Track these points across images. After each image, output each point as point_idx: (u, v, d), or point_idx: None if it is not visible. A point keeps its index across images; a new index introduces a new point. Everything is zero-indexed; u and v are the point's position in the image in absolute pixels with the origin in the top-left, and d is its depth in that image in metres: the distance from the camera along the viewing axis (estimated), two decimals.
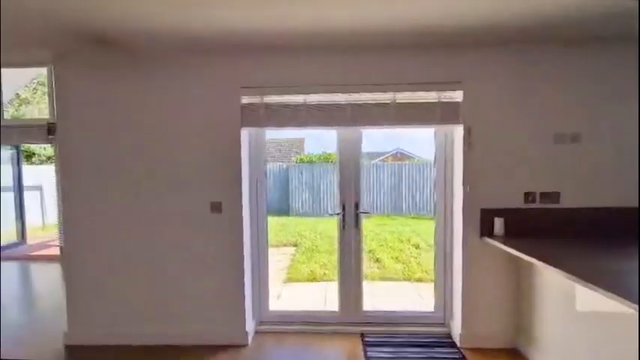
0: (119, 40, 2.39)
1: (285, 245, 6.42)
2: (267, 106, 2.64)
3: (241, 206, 2.68)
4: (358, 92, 2.55)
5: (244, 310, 2.72)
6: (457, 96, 2.53)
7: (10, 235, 6.02)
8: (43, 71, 6.31)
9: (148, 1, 1.82)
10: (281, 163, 8.98)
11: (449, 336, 2.79)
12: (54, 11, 1.94)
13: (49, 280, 4.72)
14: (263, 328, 2.94)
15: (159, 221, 2.70)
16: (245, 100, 2.63)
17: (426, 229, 7.05)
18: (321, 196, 8.21)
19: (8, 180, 5.98)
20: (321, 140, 9.67)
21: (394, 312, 3.04)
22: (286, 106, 2.63)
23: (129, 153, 2.69)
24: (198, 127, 2.65)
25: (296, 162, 9.15)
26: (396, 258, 5.62)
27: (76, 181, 2.75)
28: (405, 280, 4.78)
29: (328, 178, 8.08)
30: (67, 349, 2.73)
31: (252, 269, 2.90)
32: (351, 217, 2.88)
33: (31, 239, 6.41)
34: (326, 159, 8.80)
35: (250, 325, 2.82)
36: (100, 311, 2.77)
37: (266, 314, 3.00)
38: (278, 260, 5.38)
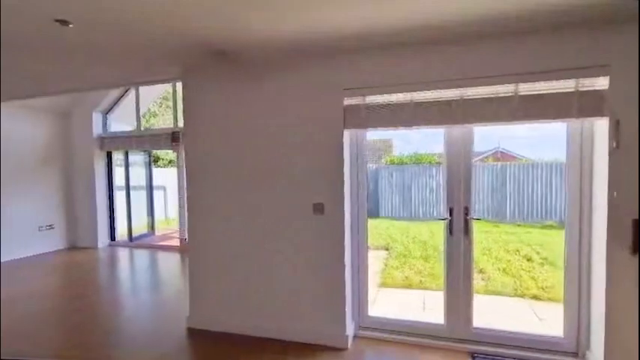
0: (234, 53, 2.60)
1: (376, 248, 6.30)
2: (370, 106, 2.58)
3: (343, 208, 2.67)
4: (473, 86, 2.32)
5: (344, 312, 2.71)
6: (601, 83, 2.11)
7: (142, 227, 7.14)
8: (168, 87, 7.29)
9: (258, 14, 1.92)
10: (370, 165, 8.87)
11: None
12: (181, 32, 2.19)
13: (171, 267, 5.46)
14: (362, 333, 2.88)
15: (268, 220, 2.86)
16: (347, 101, 2.62)
17: (537, 239, 6.19)
18: (413, 198, 7.86)
19: (142, 180, 7.10)
20: (411, 141, 9.27)
21: (511, 332, 2.68)
22: (390, 105, 2.53)
23: (243, 156, 2.91)
24: (303, 130, 2.73)
25: (386, 163, 8.94)
26: (504, 270, 5.03)
27: (198, 182, 3.07)
28: (516, 296, 4.23)
29: (420, 180, 7.70)
30: (188, 331, 3.07)
31: (352, 272, 2.87)
32: (459, 223, 2.64)
33: (157, 231, 7.50)
34: (418, 160, 8.41)
35: (350, 329, 2.79)
36: (216, 300, 3.05)
37: (365, 319, 2.93)
38: (370, 263, 5.29)
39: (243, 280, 2.96)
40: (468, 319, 2.68)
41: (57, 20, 1.96)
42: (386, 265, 5.40)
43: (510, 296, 4.25)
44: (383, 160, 9.38)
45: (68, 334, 3.13)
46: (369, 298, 2.96)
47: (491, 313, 3.63)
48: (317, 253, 2.75)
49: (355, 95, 2.60)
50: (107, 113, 6.70)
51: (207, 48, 2.49)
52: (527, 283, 4.52)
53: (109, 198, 6.74)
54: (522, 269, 5.02)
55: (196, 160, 3.06)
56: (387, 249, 6.29)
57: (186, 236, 6.24)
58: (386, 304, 3.92)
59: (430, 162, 8.00)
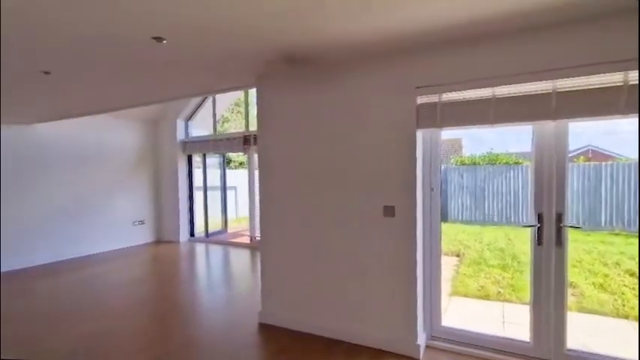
0: (305, 57, 2.66)
1: (446, 254, 5.97)
2: (446, 104, 2.44)
3: (415, 211, 2.57)
4: (569, 77, 2.06)
5: (416, 321, 2.60)
6: None
7: (216, 224, 7.68)
8: (240, 94, 7.73)
9: (331, 17, 1.93)
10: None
11: None
12: (256, 42, 2.30)
13: (242, 262, 5.79)
14: (434, 343, 2.73)
15: (338, 222, 2.87)
16: (421, 100, 2.51)
17: None
18: (487, 202, 7.29)
19: (216, 181, 7.66)
20: (483, 140, 8.61)
21: (615, 359, 2.32)
22: (468, 102, 2.37)
23: (313, 158, 2.96)
24: (373, 131, 2.69)
25: (455, 164, 8.43)
26: (600, 285, 4.41)
27: (270, 183, 3.20)
28: (618, 316, 3.67)
29: (496, 181, 7.11)
30: (260, 326, 3.21)
31: (424, 278, 2.75)
32: (550, 231, 2.36)
33: (229, 228, 8.01)
34: (492, 160, 7.78)
35: (422, 338, 2.66)
36: (286, 298, 3.15)
37: (438, 329, 2.78)
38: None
39: (313, 279, 3.00)
40: (560, 338, 2.39)
41: (154, 37, 2.19)
42: (457, 273, 5.08)
43: (610, 316, 3.70)
44: (452, 161, 8.86)
45: (156, 319, 3.47)
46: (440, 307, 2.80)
47: (587, 333, 3.19)
48: (387, 256, 2.68)
49: (429, 93, 2.48)
50: (188, 120, 7.35)
51: (279, 55, 2.58)
52: (632, 302, 3.89)
53: (189, 197, 7.39)
54: (624, 285, 4.35)
55: (268, 162, 3.20)
56: (458, 255, 5.92)
57: (256, 234, 6.60)
58: (459, 314, 3.67)
59: (507, 162, 7.35)
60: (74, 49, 2.42)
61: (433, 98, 2.47)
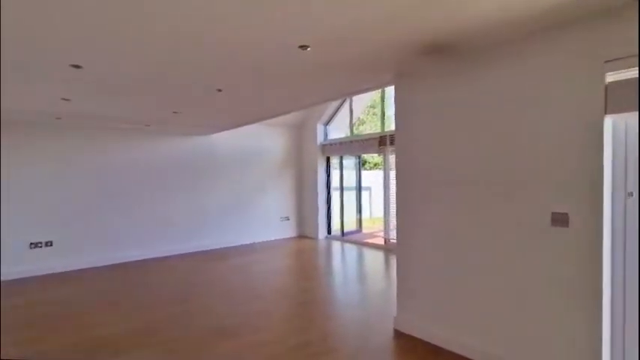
0: (449, 45, 2.41)
1: None
2: None
3: (601, 221, 1.99)
4: None
5: None
6: None
7: (351, 223, 7.91)
8: (375, 96, 7.74)
9: None
10: None
11: None
12: (395, 36, 2.18)
13: (377, 263, 5.76)
14: None
15: (488, 229, 2.50)
16: (612, 77, 1.94)
17: None
18: None
19: (352, 182, 7.89)
20: None
21: None
22: None
23: (456, 157, 2.67)
24: (538, 121, 2.23)
25: None
26: None
27: (408, 184, 3.04)
28: None
29: None
30: (395, 333, 3.08)
31: (613, 316, 2.10)
32: None
33: (364, 229, 8.13)
34: None
35: None
36: (423, 306, 2.93)
37: None
38: None
39: (454, 291, 2.70)
40: None
41: (300, 46, 2.35)
42: None
43: None
44: None
45: (298, 308, 3.76)
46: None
47: None
48: (556, 277, 2.17)
49: (624, 68, 1.88)
50: (327, 124, 7.81)
51: (421, 46, 2.41)
52: None
53: (327, 197, 7.84)
54: None
55: (406, 162, 3.04)
56: None
57: (391, 236, 6.47)
58: None
59: None
60: (241, 68, 2.83)
61: (631, 73, 1.86)
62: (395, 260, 3.22)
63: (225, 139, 6.98)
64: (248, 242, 7.32)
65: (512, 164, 2.36)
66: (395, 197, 3.18)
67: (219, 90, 3.54)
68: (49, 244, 5.25)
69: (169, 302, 3.97)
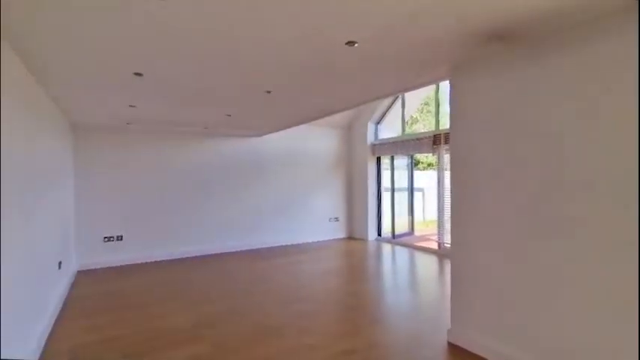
0: (514, 33, 2.16)
1: None
2: None
3: None
4: None
5: None
6: None
7: (402, 225, 7.62)
8: (429, 93, 7.40)
9: None
10: None
11: None
12: (452, 25, 2.00)
13: (429, 269, 5.46)
14: None
15: (560, 240, 2.20)
16: None
17: None
18: None
19: (403, 183, 7.61)
20: None
21: None
22: None
23: (520, 156, 2.40)
24: (624, 110, 1.91)
25: None
26: None
27: (465, 185, 2.81)
28: None
29: None
30: (448, 346, 2.86)
31: None
32: None
33: (416, 231, 7.80)
34: None
35: None
36: (481, 320, 2.68)
37: None
38: None
39: (519, 306, 2.42)
40: None
41: (347, 43, 2.27)
42: None
43: None
44: None
45: (345, 312, 3.67)
46: None
47: None
48: None
49: None
50: (378, 123, 7.62)
51: (478, 36, 2.19)
52: None
53: (378, 198, 7.65)
54: None
55: (463, 161, 2.81)
56: None
57: (445, 240, 6.11)
58: None
59: None
60: (289, 68, 2.82)
61: None
62: (449, 266, 2.99)
63: (277, 141, 7.12)
64: (298, 242, 7.40)
65: (582, 165, 2.05)
66: (450, 199, 2.95)
67: (268, 92, 3.58)
68: (119, 238, 5.76)
69: (223, 297, 4.12)
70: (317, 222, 7.68)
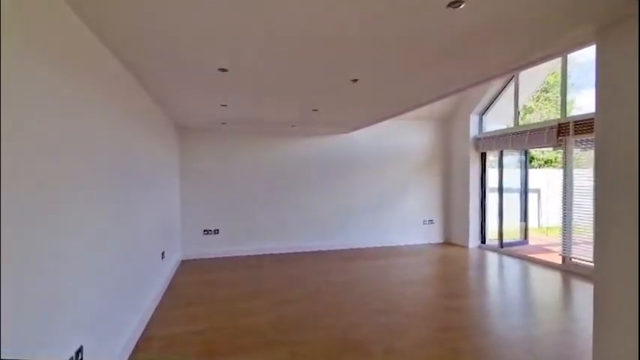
0: None
1: None
2: None
3: None
4: None
5: None
6: None
7: (512, 232, 6.49)
8: (548, 78, 6.11)
9: None
10: None
11: None
12: None
13: (550, 288, 4.42)
14: None
15: None
16: None
17: None
18: None
19: (513, 183, 6.47)
20: None
21: None
22: None
23: None
24: None
25: None
26: None
27: (616, 188, 2.05)
28: None
29: None
30: None
31: None
32: None
33: (530, 240, 6.58)
34: None
35: None
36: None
37: None
38: None
39: None
40: None
41: (449, 4, 1.79)
42: None
43: None
44: None
45: (437, 333, 3.11)
46: None
47: None
48: None
49: None
50: (483, 114, 6.64)
51: None
52: None
53: (481, 199, 6.67)
54: None
55: (615, 156, 2.05)
56: None
57: (572, 254, 4.94)
58: None
59: None
60: (374, 61, 2.47)
61: None
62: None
63: (366, 137, 6.75)
64: (388, 245, 6.92)
65: None
66: (593, 204, 2.20)
67: (355, 80, 3.25)
68: (216, 231, 6.15)
69: (304, 299, 3.96)
70: (409, 224, 7.07)
